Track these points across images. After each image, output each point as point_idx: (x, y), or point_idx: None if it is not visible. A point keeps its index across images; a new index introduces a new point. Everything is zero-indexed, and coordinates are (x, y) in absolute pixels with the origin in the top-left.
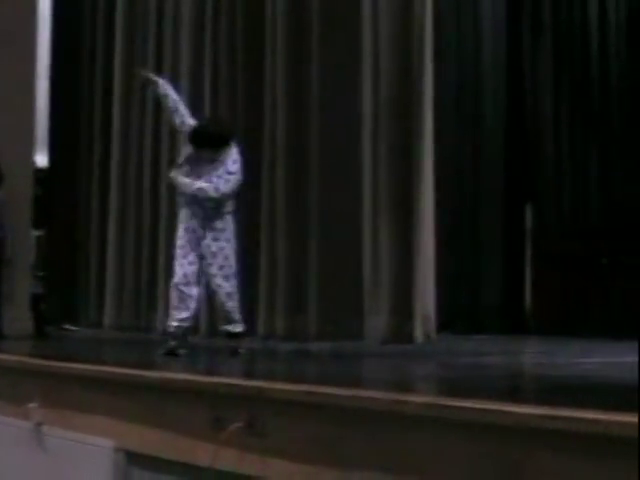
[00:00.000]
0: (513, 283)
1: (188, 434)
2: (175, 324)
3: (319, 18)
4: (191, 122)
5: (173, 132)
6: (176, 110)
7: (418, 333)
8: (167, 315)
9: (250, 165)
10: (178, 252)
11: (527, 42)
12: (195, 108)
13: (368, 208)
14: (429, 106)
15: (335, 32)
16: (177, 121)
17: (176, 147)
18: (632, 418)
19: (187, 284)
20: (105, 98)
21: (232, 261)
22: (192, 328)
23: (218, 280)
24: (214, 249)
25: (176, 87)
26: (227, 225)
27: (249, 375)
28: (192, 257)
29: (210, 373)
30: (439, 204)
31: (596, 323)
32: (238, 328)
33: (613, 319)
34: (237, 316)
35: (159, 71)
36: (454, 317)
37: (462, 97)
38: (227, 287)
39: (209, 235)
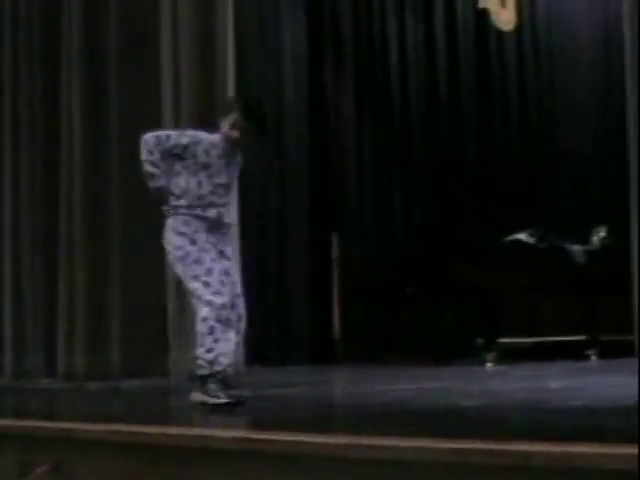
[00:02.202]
0: (321, 313)
1: None
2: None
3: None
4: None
5: None
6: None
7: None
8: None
9: (48, 197)
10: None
11: (329, 78)
12: None
13: None
14: None
15: (134, 82)
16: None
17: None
18: (426, 443)
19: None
20: None
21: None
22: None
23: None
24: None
25: None
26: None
27: (55, 416)
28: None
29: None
30: (244, 236)
31: (403, 351)
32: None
33: (418, 347)
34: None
35: None
36: (264, 349)
37: (265, 129)
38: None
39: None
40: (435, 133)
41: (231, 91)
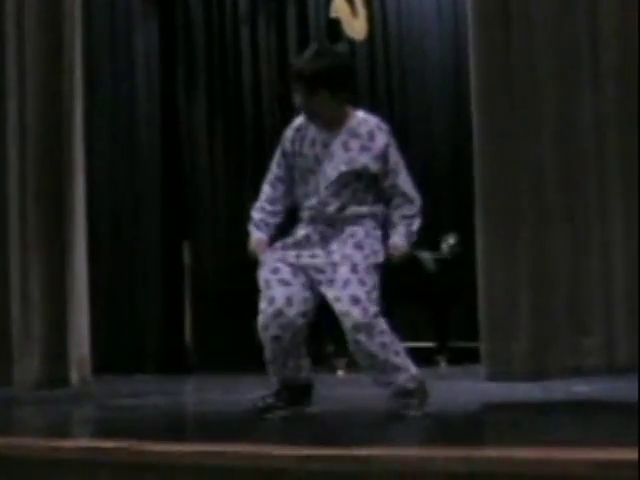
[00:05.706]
0: (173, 321)
1: None
2: None
3: None
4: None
5: None
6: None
7: (74, 376)
8: None
9: None
10: None
11: (182, 88)
12: None
13: (15, 247)
14: (80, 150)
15: None
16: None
17: None
18: (273, 450)
19: None
20: None
21: None
22: None
23: None
24: None
25: None
26: None
27: None
28: None
29: None
30: (94, 244)
31: (255, 359)
32: None
33: None
34: None
35: None
36: (114, 358)
37: (116, 144)
38: None
39: None
40: None
41: (79, 109)
